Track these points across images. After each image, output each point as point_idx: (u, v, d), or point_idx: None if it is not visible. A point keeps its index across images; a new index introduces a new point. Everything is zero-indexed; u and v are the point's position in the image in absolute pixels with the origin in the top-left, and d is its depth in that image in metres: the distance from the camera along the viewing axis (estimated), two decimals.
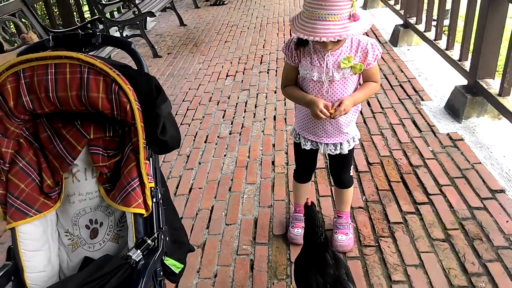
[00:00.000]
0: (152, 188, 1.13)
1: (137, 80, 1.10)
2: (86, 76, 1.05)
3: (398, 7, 4.46)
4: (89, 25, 3.57)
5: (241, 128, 2.87)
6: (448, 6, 3.48)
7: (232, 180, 2.33)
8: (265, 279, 1.68)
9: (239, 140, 2.73)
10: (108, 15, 4.80)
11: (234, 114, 3.08)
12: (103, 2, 4.46)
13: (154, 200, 1.14)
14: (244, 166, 2.44)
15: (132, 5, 4.45)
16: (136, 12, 4.38)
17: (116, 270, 1.01)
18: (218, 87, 3.60)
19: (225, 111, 3.16)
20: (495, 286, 1.56)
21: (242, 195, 2.19)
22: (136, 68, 1.20)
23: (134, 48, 1.21)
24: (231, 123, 2.95)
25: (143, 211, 1.10)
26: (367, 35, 4.44)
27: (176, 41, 5.09)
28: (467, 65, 2.82)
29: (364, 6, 5.53)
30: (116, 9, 5.16)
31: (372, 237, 1.82)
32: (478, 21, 2.63)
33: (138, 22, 4.50)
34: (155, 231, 1.13)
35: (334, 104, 1.44)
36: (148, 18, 4.61)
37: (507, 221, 1.83)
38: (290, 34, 4.73)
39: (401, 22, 4.22)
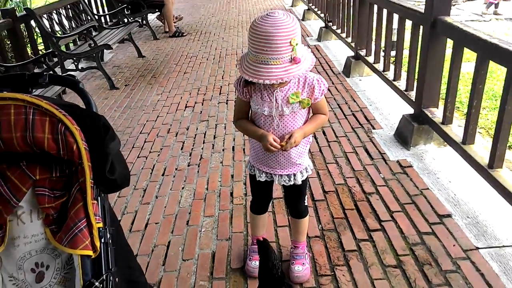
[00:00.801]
0: (100, 229, 1.11)
1: (84, 119, 1.10)
2: (31, 117, 1.03)
3: (349, 39, 4.70)
4: (42, 59, 3.50)
5: (200, 159, 2.88)
6: (395, 38, 3.71)
7: (190, 213, 2.31)
8: None
9: (198, 172, 2.72)
10: (63, 48, 4.73)
11: (193, 146, 3.08)
12: (58, 35, 4.40)
13: (103, 240, 1.12)
14: (202, 198, 2.43)
15: (88, 38, 4.40)
16: (92, 45, 4.34)
17: None
18: (177, 119, 3.60)
19: (183, 142, 3.15)
20: None
21: (200, 228, 2.17)
22: (85, 107, 1.20)
23: (82, 87, 1.22)
24: (190, 155, 2.95)
25: (90, 252, 1.08)
26: (322, 67, 4.64)
27: (134, 73, 5.07)
28: (413, 95, 3.00)
29: (319, 38, 5.78)
30: (72, 41, 5.10)
31: (328, 266, 1.85)
32: (421, 53, 2.82)
33: (94, 55, 4.47)
34: (103, 273, 1.10)
35: (285, 137, 1.49)
36: (105, 49, 4.58)
37: (454, 245, 1.92)
38: None
39: (353, 54, 4.45)
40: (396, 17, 3.35)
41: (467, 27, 2.37)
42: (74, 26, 5.08)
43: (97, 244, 1.09)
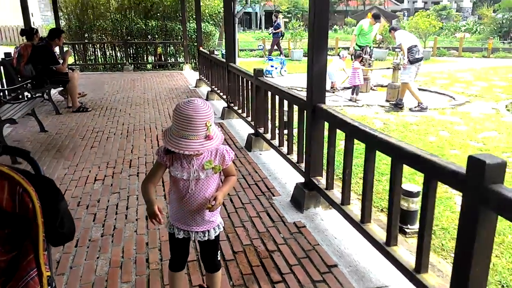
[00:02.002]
0: (49, 277, 1.28)
1: (38, 182, 1.32)
2: None
3: (249, 119, 5.34)
4: None
5: (113, 229, 3.00)
6: (286, 118, 4.38)
7: (107, 280, 2.41)
8: None
9: (112, 241, 2.84)
10: None
11: (105, 217, 3.19)
12: None
13: (50, 287, 1.28)
14: (118, 266, 2.55)
15: None
16: None
17: None
18: (87, 191, 3.67)
19: (95, 214, 3.24)
20: None
21: None
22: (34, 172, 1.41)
23: (32, 156, 1.45)
24: (103, 226, 3.05)
25: None
26: (227, 142, 5.11)
27: (37, 147, 5.00)
28: (303, 166, 3.57)
29: (222, 117, 6.38)
30: None
31: None
32: (306, 133, 3.45)
33: None
34: None
35: (210, 200, 1.82)
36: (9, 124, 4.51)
37: None
38: (158, 142, 5.15)
39: (253, 131, 5.05)
40: (286, 102, 4.03)
41: (337, 113, 3.04)
42: None
43: None
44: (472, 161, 1.74)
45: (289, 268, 2.53)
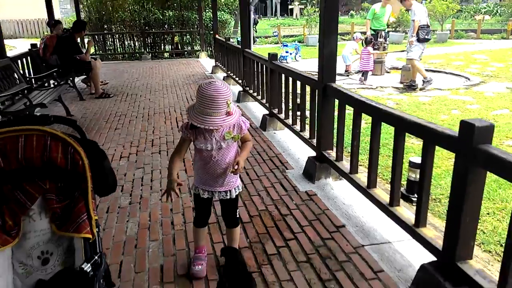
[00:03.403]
0: (96, 220, 1.55)
1: (86, 144, 1.58)
2: (49, 142, 1.49)
3: (264, 101, 5.57)
4: None
5: (140, 198, 3.29)
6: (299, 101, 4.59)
7: (136, 239, 2.70)
8: None
9: (139, 208, 3.13)
10: None
11: (132, 188, 3.48)
12: None
13: (97, 229, 1.56)
14: (146, 227, 2.84)
15: (25, 98, 4.67)
16: (28, 103, 4.61)
17: (76, 275, 1.38)
18: (114, 167, 3.94)
19: (122, 186, 3.54)
20: (341, 287, 2.21)
21: (148, 249, 2.57)
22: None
23: (78, 124, 1.71)
24: (130, 195, 3.35)
25: (90, 236, 1.51)
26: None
27: (64, 129, 5.30)
28: (314, 141, 3.79)
29: (238, 100, 6.62)
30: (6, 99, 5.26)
31: (255, 266, 2.38)
32: (318, 110, 3.66)
33: (27, 113, 4.71)
34: (98, 251, 1.53)
35: (233, 164, 2.07)
36: (40, 108, 4.85)
37: (346, 245, 2.58)
38: (177, 123, 5.42)
39: (267, 112, 5.28)
40: (299, 83, 4.24)
41: (346, 91, 3.24)
42: (4, 87, 5.28)
43: (94, 231, 1.53)
44: (463, 124, 1.94)
45: (300, 228, 2.77)
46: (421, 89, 7.96)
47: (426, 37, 7.81)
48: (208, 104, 1.94)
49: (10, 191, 1.51)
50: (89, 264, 1.44)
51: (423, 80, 7.98)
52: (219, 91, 1.94)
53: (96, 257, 1.48)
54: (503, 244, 2.81)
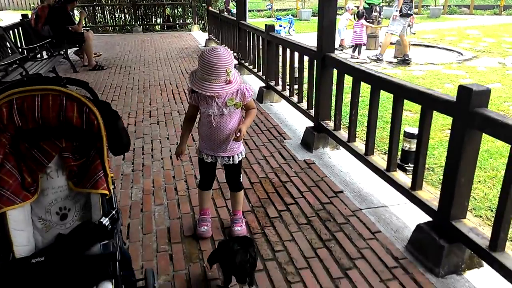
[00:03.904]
0: (112, 177, 1.61)
1: (100, 104, 1.62)
2: (64, 102, 1.53)
3: (260, 73, 5.58)
4: None
5: (142, 166, 3.35)
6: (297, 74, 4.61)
7: (142, 204, 2.77)
8: (183, 264, 2.17)
9: (142, 175, 3.19)
10: None
11: (133, 157, 3.53)
12: None
13: (113, 186, 1.62)
14: (150, 193, 2.91)
15: (20, 68, 4.63)
16: (24, 74, 4.57)
17: (94, 229, 1.45)
18: None
19: (124, 154, 3.58)
20: (340, 246, 2.32)
21: (154, 213, 2.65)
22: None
23: (90, 87, 1.74)
24: (132, 163, 3.40)
25: (107, 192, 1.57)
26: None
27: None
28: (312, 112, 3.85)
29: None
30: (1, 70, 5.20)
31: (258, 228, 2.48)
32: (316, 81, 3.71)
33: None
34: (114, 207, 1.60)
35: (236, 131, 2.12)
36: None
37: (345, 208, 2.69)
38: (173, 96, 5.43)
39: (264, 84, 5.31)
40: (297, 54, 4.26)
41: (346, 61, 3.30)
42: None
43: (111, 187, 1.59)
44: (461, 89, 2.02)
45: (300, 194, 2.87)
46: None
47: (409, 12, 7.93)
48: (207, 70, 1.96)
49: (27, 149, 1.56)
50: (107, 218, 1.51)
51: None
52: (219, 58, 1.95)
53: (113, 212, 1.55)
54: (494, 210, 2.96)
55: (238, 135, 2.11)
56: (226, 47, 1.98)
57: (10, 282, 1.37)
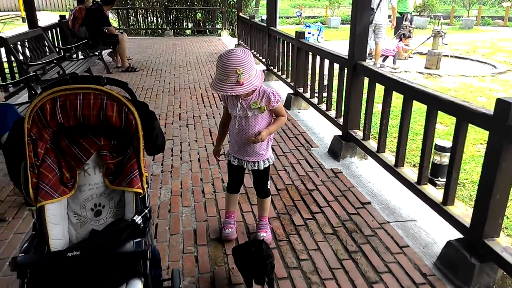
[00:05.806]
0: (146, 177, 1.65)
1: (138, 105, 1.66)
2: (105, 101, 1.58)
3: (289, 80, 5.59)
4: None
5: (171, 168, 3.40)
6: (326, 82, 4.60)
7: (170, 204, 2.81)
8: (208, 267, 2.18)
9: (171, 176, 3.24)
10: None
11: (163, 158, 3.59)
12: (29, 62, 4.74)
13: (147, 186, 1.65)
14: (178, 194, 2.95)
15: (58, 67, 4.80)
16: (61, 73, 4.73)
17: (127, 226, 1.49)
18: None
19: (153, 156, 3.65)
20: (366, 258, 2.29)
21: (181, 214, 2.69)
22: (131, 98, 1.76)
23: (129, 87, 1.79)
24: (162, 164, 3.46)
25: (141, 191, 1.61)
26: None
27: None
28: (341, 120, 3.83)
29: None
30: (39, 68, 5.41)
31: (284, 235, 2.47)
32: (346, 89, 3.68)
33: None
34: (147, 206, 1.63)
35: (255, 134, 2.13)
36: None
37: (372, 220, 2.65)
38: (202, 99, 5.49)
39: (292, 91, 5.31)
40: (327, 62, 4.24)
41: (377, 69, 3.26)
42: (36, 57, 5.42)
43: (145, 186, 1.63)
44: (500, 103, 1.97)
45: (326, 203, 2.85)
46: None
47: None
48: (218, 69, 2.01)
49: (67, 145, 1.61)
50: (140, 217, 1.54)
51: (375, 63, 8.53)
52: (230, 59, 1.96)
53: (146, 211, 1.58)
54: None
55: (255, 137, 2.11)
56: (247, 49, 1.99)
57: (46, 274, 1.41)
